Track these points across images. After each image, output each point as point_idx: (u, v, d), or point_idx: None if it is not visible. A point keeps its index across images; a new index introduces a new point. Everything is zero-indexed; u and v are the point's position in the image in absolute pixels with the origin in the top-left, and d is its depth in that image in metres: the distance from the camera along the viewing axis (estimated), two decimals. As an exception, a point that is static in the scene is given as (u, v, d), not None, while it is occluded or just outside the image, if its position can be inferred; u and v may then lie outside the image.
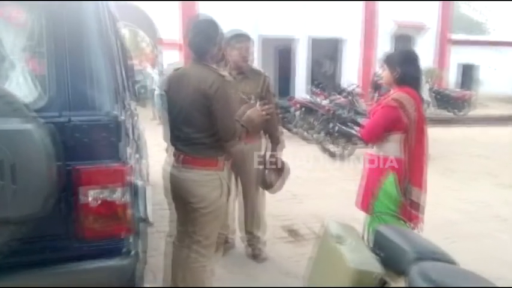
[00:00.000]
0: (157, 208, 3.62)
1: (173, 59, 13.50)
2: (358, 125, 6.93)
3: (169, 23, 13.21)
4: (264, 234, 3.42)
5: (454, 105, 13.18)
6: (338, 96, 9.12)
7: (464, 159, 7.10)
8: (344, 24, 14.39)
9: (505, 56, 19.05)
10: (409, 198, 2.53)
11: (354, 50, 13.85)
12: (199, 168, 2.22)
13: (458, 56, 16.98)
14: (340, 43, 15.25)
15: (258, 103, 2.73)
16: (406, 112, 2.46)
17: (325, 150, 6.94)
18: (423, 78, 12.51)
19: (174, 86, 2.27)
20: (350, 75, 14.17)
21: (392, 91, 2.64)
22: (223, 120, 2.12)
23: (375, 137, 2.60)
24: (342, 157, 6.97)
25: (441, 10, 15.21)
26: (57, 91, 1.73)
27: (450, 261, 1.36)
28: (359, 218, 4.16)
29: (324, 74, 16.04)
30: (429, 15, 15.02)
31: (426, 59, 14.99)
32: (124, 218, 1.84)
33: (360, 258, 1.52)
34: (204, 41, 2.17)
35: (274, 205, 4.04)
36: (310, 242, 3.68)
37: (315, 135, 7.27)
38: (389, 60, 2.64)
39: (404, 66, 2.57)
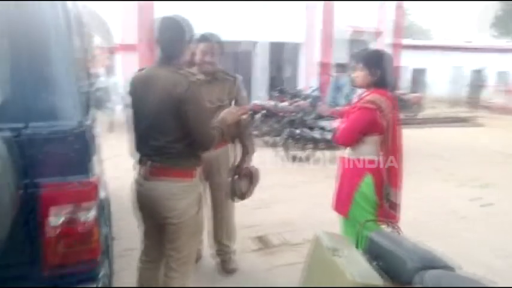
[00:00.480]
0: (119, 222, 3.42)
1: (131, 63, 13.07)
2: (321, 128, 7.01)
3: (127, 27, 12.83)
4: (234, 243, 3.33)
5: (406, 108, 13.71)
6: (297, 99, 9.18)
7: (418, 159, 7.31)
8: (302, 29, 14.58)
9: (449, 59, 20.15)
10: (388, 200, 2.56)
11: (312, 54, 14.05)
12: (176, 180, 2.06)
13: (408, 60, 17.73)
14: (298, 47, 15.44)
15: (233, 104, 2.64)
16: (383, 114, 2.47)
17: (287, 154, 6.95)
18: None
19: (139, 88, 2.09)
20: (309, 79, 14.35)
21: (365, 93, 2.64)
22: (199, 127, 1.99)
23: (352, 139, 2.59)
24: (304, 160, 7.00)
25: (394, 15, 15.80)
26: (20, 97, 1.57)
27: (450, 268, 1.35)
28: (328, 221, 4.22)
29: (282, 78, 16.17)
30: (383, 21, 15.56)
31: (380, 63, 15.52)
32: (95, 239, 1.70)
33: (360, 271, 1.48)
34: (174, 40, 2.01)
35: (241, 212, 3.95)
36: (282, 250, 3.65)
37: (278, 139, 7.26)
38: (367, 61, 2.62)
39: (383, 68, 2.57)
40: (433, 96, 17.59)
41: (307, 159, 7.05)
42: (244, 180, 2.96)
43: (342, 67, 8.43)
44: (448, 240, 3.79)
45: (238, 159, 2.97)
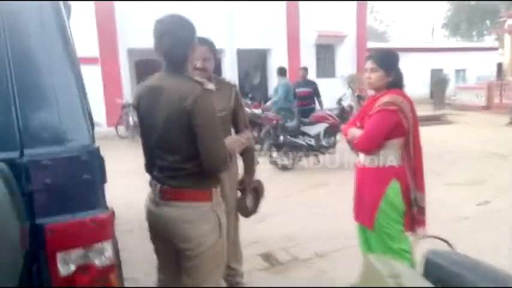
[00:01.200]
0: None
1: (93, 75, 12.54)
2: (304, 134, 6.84)
3: (86, 39, 12.29)
4: (242, 265, 3.05)
5: (376, 109, 13.88)
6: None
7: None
8: (269, 35, 14.52)
9: (411, 60, 20.74)
10: (417, 205, 2.41)
11: (280, 60, 13.98)
12: (190, 203, 1.78)
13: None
14: (266, 53, 15.36)
15: (241, 134, 2.38)
16: (405, 115, 2.32)
17: (274, 162, 6.73)
18: (349, 85, 12.91)
19: (144, 101, 1.83)
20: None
21: (377, 94, 2.47)
22: (209, 144, 1.70)
23: (377, 144, 2.37)
24: (291, 168, 6.80)
25: (357, 20, 16.05)
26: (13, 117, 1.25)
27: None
28: (331, 233, 4.05)
29: (252, 85, 16.03)
30: (347, 25, 15.76)
31: (347, 66, 15.73)
32: (113, 283, 1.38)
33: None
34: (177, 42, 1.73)
35: (241, 228, 3.68)
36: (292, 267, 3.40)
37: (259, 148, 7.02)
38: (381, 61, 2.46)
39: (397, 68, 2.47)
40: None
41: (293, 166, 6.85)
42: (249, 196, 2.71)
43: (281, 71, 8.38)
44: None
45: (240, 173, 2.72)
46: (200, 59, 2.54)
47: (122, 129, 11.57)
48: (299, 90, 8.44)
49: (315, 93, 8.41)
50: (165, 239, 1.85)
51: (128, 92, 13.05)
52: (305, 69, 8.81)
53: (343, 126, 2.72)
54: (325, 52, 15.87)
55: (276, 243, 3.81)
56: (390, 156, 2.38)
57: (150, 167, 1.93)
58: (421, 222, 2.42)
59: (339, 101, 7.50)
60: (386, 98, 2.37)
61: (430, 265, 1.54)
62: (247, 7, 13.83)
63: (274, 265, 3.45)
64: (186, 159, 1.74)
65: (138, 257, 3.53)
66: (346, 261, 3.40)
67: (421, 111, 15.59)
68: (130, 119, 10.91)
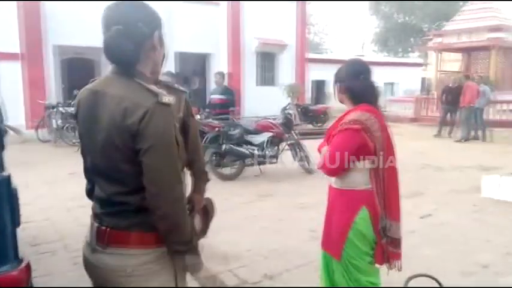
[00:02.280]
0: None
1: (12, 73, 11.40)
2: (249, 143, 6.59)
3: (7, 33, 11.17)
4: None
5: (315, 118, 14.11)
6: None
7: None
8: (210, 40, 14.20)
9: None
10: (385, 235, 2.13)
11: (221, 66, 13.72)
12: (136, 250, 1.34)
13: (312, 73, 18.45)
14: (207, 58, 15.00)
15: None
16: (371, 134, 2.06)
17: (216, 172, 6.38)
18: (290, 94, 13.05)
19: (84, 111, 1.39)
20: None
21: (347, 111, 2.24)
22: (159, 176, 1.27)
23: (340, 167, 2.11)
24: (235, 178, 6.51)
25: (298, 29, 16.29)
26: None
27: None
28: (282, 250, 3.81)
29: (191, 90, 15.54)
30: (288, 34, 15.92)
31: (288, 75, 15.87)
32: None
33: None
34: (129, 39, 1.30)
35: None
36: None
37: (205, 157, 6.64)
38: (337, 75, 2.24)
39: (357, 80, 2.18)
40: (334, 107, 18.52)
41: (236, 176, 6.56)
42: (197, 216, 2.36)
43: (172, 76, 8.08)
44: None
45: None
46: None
47: (43, 132, 10.56)
48: (213, 97, 8.14)
49: (231, 101, 8.06)
50: None
51: (53, 93, 12.00)
52: (221, 74, 8.31)
53: (319, 145, 2.39)
54: (267, 60, 15.90)
55: (220, 264, 3.45)
56: (358, 179, 2.13)
57: (91, 192, 1.49)
58: (393, 256, 2.15)
59: (284, 110, 7.36)
60: (351, 116, 2.12)
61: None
62: (187, 9, 13.41)
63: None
64: (130, 191, 1.33)
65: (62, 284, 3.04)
66: (300, 283, 3.17)
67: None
68: (54, 121, 9.98)
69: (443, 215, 4.83)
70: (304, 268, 3.43)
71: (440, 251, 3.74)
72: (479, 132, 11.25)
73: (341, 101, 2.29)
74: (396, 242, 2.14)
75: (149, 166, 1.26)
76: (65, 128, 9.89)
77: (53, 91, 11.95)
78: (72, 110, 10.04)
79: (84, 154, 1.47)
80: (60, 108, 10.24)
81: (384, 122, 2.16)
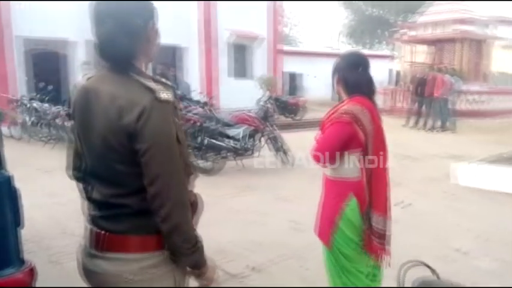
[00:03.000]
0: None
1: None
2: (228, 136, 6.56)
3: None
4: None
5: (291, 111, 14.18)
6: (194, 107, 8.57)
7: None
8: (182, 31, 13.95)
9: (319, 64, 21.72)
10: (370, 226, 2.17)
11: (194, 58, 13.55)
12: (135, 255, 1.29)
13: (285, 65, 18.49)
14: (179, 50, 14.76)
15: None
16: (361, 126, 2.11)
17: (195, 166, 6.32)
18: (263, 87, 13.05)
19: (79, 110, 1.34)
20: (192, 84, 13.78)
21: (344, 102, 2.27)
22: (159, 178, 1.23)
23: (330, 158, 2.15)
24: (213, 172, 6.47)
25: (271, 21, 16.26)
26: None
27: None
28: (267, 243, 3.83)
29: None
30: (262, 27, 15.87)
31: (263, 68, 15.85)
32: None
33: None
34: (125, 33, 1.25)
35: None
36: (226, 285, 3.09)
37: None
38: (335, 67, 2.27)
39: (353, 72, 2.22)
40: (310, 100, 18.67)
41: (215, 170, 6.53)
42: None
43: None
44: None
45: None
46: None
47: (16, 129, 10.07)
48: None
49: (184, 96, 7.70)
50: None
51: (18, 86, 11.52)
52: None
53: (316, 134, 2.38)
54: (241, 52, 15.81)
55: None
56: (349, 169, 2.18)
57: (87, 204, 1.42)
58: (377, 248, 2.17)
59: (260, 103, 7.36)
60: (343, 108, 2.17)
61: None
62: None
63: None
64: (128, 193, 1.28)
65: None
66: (284, 275, 3.21)
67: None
68: (28, 118, 9.56)
69: (423, 204, 4.99)
70: (289, 259, 3.48)
71: (416, 237, 3.87)
72: (448, 122, 11.61)
73: (338, 93, 2.32)
74: (379, 234, 2.16)
75: (149, 167, 1.21)
76: (32, 123, 9.47)
77: (18, 84, 11.46)
78: (40, 104, 9.67)
79: (80, 156, 1.41)
80: (28, 103, 9.82)
81: (376, 115, 2.18)
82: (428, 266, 1.55)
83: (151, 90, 1.22)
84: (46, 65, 13.07)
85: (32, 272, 1.01)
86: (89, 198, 1.38)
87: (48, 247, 3.63)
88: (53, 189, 5.67)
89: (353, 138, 2.12)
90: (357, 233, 2.19)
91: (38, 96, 10.18)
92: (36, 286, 1.37)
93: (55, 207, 4.94)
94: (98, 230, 1.32)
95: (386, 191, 2.20)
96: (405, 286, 1.32)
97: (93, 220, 1.35)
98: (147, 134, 1.19)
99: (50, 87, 10.48)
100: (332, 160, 2.17)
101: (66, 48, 12.87)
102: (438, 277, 1.67)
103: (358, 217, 2.17)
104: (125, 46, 1.25)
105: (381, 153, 2.19)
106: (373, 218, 2.16)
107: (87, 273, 1.37)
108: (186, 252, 1.28)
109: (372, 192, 2.16)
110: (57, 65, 13.72)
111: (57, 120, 8.76)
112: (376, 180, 2.18)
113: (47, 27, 11.43)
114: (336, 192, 2.22)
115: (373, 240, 2.17)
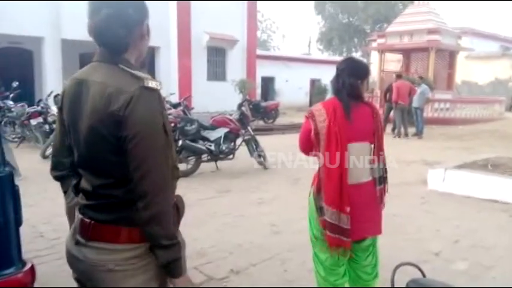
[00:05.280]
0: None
1: None
2: (205, 139, 6.51)
3: None
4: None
5: (265, 115, 14.24)
6: (168, 107, 8.49)
7: (302, 166, 7.29)
8: (159, 32, 13.79)
9: (293, 69, 21.97)
10: (323, 217, 2.26)
11: (170, 60, 13.40)
12: (121, 246, 1.30)
13: (259, 70, 18.57)
14: (154, 51, 14.57)
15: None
16: (315, 122, 2.27)
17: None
18: (242, 90, 13.06)
19: (68, 102, 1.35)
20: (170, 85, 13.63)
21: None
22: (146, 167, 1.23)
23: (301, 148, 2.48)
24: (191, 175, 6.40)
25: (248, 25, 16.30)
26: None
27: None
28: (247, 245, 3.80)
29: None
30: (238, 30, 15.88)
31: (238, 71, 15.85)
32: None
33: None
34: (120, 23, 1.28)
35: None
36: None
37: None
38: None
39: (337, 76, 2.35)
40: (282, 104, 18.81)
41: (193, 172, 6.46)
42: None
43: None
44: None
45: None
46: None
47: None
48: None
49: None
50: None
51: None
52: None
53: None
54: (217, 55, 15.76)
55: (189, 261, 3.40)
56: (318, 162, 2.36)
57: (75, 192, 1.45)
58: (330, 240, 2.22)
59: (240, 106, 7.35)
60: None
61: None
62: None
63: None
64: (116, 183, 1.29)
65: None
66: (266, 277, 3.19)
67: (301, 118, 16.49)
68: None
69: (395, 207, 5.08)
70: (269, 262, 3.46)
71: (394, 240, 3.93)
72: (419, 129, 11.89)
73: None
74: (334, 227, 2.21)
75: (134, 155, 1.22)
76: (4, 123, 9.10)
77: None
78: (11, 103, 9.31)
79: (70, 147, 1.41)
80: (1, 103, 9.43)
81: (337, 116, 2.21)
82: (419, 269, 1.57)
83: (139, 79, 1.25)
84: (17, 62, 12.64)
85: (32, 272, 0.96)
86: (79, 188, 1.40)
87: (23, 251, 3.49)
88: (24, 191, 5.48)
89: (311, 132, 2.30)
90: (315, 220, 2.35)
91: (9, 94, 9.82)
92: (36, 286, 1.32)
93: (26, 209, 4.77)
94: (85, 219, 1.33)
95: (337, 187, 2.21)
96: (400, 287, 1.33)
97: (81, 208, 1.37)
98: (133, 120, 1.20)
99: (15, 84, 10.02)
100: (302, 148, 2.47)
101: (39, 45, 12.48)
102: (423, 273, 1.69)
103: (314, 206, 2.34)
104: (122, 36, 1.29)
105: (333, 151, 2.21)
106: (326, 211, 2.25)
107: (72, 259, 1.38)
108: (164, 245, 1.26)
109: (323, 185, 2.28)
110: (30, 63, 13.31)
111: (32, 121, 8.47)
112: (326, 175, 2.25)
113: (18, 24, 11.06)
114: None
115: (326, 232, 2.26)
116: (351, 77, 2.29)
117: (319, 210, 2.27)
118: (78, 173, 1.42)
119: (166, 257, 1.28)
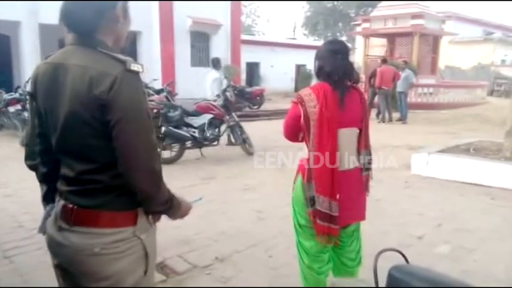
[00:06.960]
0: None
1: None
2: (189, 125, 6.42)
3: None
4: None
5: (250, 101, 14.14)
6: (152, 93, 8.34)
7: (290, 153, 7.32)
8: (140, 17, 13.47)
9: (278, 54, 21.81)
10: (315, 208, 2.21)
11: (153, 45, 13.13)
12: (105, 230, 1.28)
13: (244, 55, 18.38)
14: (136, 36, 14.25)
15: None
16: (305, 108, 2.18)
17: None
18: (225, 75, 12.92)
19: (43, 87, 1.31)
20: (151, 72, 13.38)
21: None
22: (132, 150, 1.22)
23: (288, 136, 2.38)
24: (175, 162, 6.32)
25: (232, 9, 16.04)
26: None
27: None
28: (231, 232, 3.77)
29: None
30: (222, 15, 15.62)
31: (222, 57, 15.62)
32: None
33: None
34: (88, 7, 1.24)
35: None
36: (192, 276, 3.03)
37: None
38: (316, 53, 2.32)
39: (322, 59, 2.26)
40: (268, 90, 18.69)
41: (177, 159, 6.38)
42: None
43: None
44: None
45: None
46: None
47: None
48: None
49: None
50: (70, 275, 1.35)
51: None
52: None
53: None
54: (201, 40, 15.51)
55: (169, 250, 3.35)
56: (305, 148, 2.28)
57: (47, 177, 1.45)
58: (320, 228, 2.21)
59: (223, 92, 7.25)
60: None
61: (393, 280, 1.39)
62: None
63: (170, 276, 3.02)
64: (100, 168, 1.27)
65: None
66: (250, 264, 3.17)
67: (287, 103, 16.45)
68: None
69: (379, 191, 5.11)
70: (254, 249, 3.45)
71: (378, 225, 3.95)
72: (403, 114, 11.96)
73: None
74: (324, 216, 2.19)
75: (121, 139, 1.20)
76: None
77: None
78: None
79: (44, 134, 1.38)
80: None
81: (328, 101, 2.15)
82: (402, 254, 1.55)
83: (121, 61, 1.22)
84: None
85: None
86: (47, 180, 1.43)
87: (2, 242, 3.44)
88: (3, 181, 5.35)
89: (299, 118, 2.21)
90: (304, 210, 2.29)
91: None
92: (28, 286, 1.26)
93: (5, 199, 4.66)
94: (68, 204, 1.32)
95: (329, 174, 2.17)
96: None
97: (62, 194, 1.35)
98: (118, 104, 1.19)
99: None
100: (290, 137, 2.37)
101: (16, 30, 12.09)
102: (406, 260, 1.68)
103: (303, 194, 2.26)
104: (89, 19, 1.25)
105: (326, 137, 2.15)
106: (318, 199, 2.20)
107: (55, 246, 1.36)
108: (160, 212, 1.40)
109: (314, 173, 2.20)
110: (7, 49, 12.91)
111: (10, 108, 8.25)
112: (319, 163, 2.18)
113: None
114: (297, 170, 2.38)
115: (316, 222, 2.23)
116: (345, 58, 2.25)
117: (310, 200, 2.20)
118: (47, 161, 1.41)
119: (166, 213, 1.42)
